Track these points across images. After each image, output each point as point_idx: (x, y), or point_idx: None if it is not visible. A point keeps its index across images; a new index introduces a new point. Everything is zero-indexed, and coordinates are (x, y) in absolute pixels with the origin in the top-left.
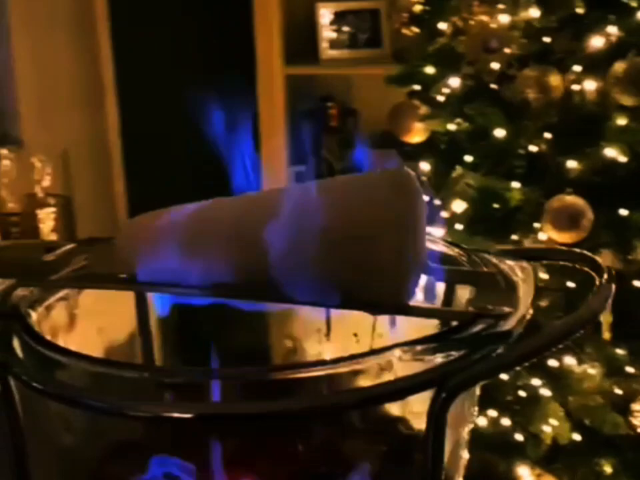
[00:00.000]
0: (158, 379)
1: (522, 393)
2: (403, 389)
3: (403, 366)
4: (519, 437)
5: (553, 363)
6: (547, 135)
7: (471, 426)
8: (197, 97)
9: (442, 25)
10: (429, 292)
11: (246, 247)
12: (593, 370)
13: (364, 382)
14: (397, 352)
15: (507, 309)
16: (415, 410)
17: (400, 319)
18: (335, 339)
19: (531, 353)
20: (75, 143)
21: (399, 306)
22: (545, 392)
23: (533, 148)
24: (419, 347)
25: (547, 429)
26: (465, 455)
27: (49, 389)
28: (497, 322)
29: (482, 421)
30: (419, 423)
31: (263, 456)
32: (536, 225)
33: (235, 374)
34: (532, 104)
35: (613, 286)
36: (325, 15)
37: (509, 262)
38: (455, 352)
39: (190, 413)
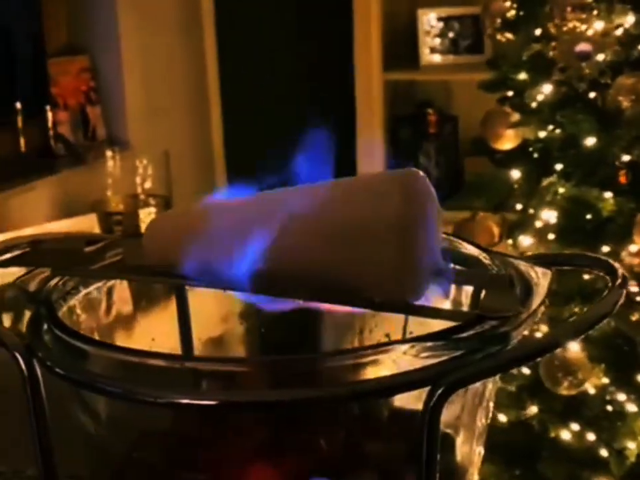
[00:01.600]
0: (187, 367)
1: (608, 408)
2: (395, 385)
3: (403, 363)
4: (603, 452)
5: None
6: None
7: (486, 421)
8: (297, 99)
9: (536, 31)
10: (457, 293)
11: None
12: None
13: (363, 376)
14: (403, 347)
15: (510, 312)
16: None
17: (431, 320)
18: (367, 339)
19: (529, 355)
20: (177, 144)
21: (402, 305)
22: (632, 407)
23: (626, 157)
24: (424, 344)
25: (631, 445)
26: (481, 450)
27: (70, 374)
28: (501, 323)
29: (566, 435)
30: (444, 424)
31: (283, 448)
32: (629, 236)
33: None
34: (626, 112)
35: (624, 291)
36: (427, 20)
37: (531, 266)
38: (455, 351)
39: (192, 399)
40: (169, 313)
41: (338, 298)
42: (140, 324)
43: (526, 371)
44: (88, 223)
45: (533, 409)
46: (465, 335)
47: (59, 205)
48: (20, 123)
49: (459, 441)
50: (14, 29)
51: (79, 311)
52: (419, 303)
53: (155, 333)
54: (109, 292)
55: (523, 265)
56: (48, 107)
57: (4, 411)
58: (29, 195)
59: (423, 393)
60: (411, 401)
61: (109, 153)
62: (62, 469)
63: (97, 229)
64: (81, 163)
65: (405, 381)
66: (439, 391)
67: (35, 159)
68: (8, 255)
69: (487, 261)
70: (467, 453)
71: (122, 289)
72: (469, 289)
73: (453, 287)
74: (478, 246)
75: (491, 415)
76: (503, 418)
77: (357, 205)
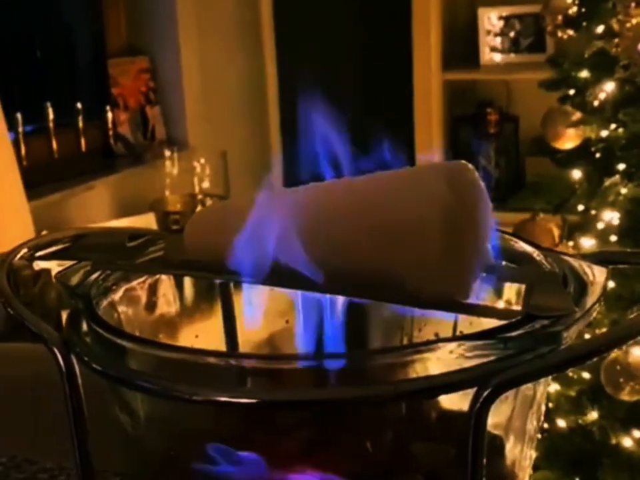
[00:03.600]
0: (231, 364)
1: None
2: (439, 385)
3: (449, 362)
4: None
5: None
6: None
7: (537, 424)
8: (355, 100)
9: (598, 28)
10: (509, 291)
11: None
12: None
13: (409, 375)
14: (450, 346)
15: (562, 311)
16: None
17: (483, 320)
18: (417, 338)
19: (580, 356)
20: (235, 144)
21: (449, 302)
22: None
23: None
24: (471, 343)
25: None
26: (532, 454)
27: (106, 370)
28: (553, 323)
29: (628, 442)
30: (493, 427)
31: (327, 448)
32: None
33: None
34: None
35: None
36: (487, 19)
37: (587, 264)
38: (504, 351)
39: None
40: (213, 309)
41: (384, 295)
42: (182, 320)
43: (586, 375)
44: (146, 222)
45: (594, 415)
46: (514, 334)
47: (118, 204)
48: (80, 123)
49: (509, 444)
50: (75, 30)
51: (119, 306)
52: (467, 300)
53: (198, 330)
54: (150, 287)
55: (577, 263)
56: (108, 107)
57: (52, 407)
58: (89, 194)
59: (471, 393)
60: (459, 401)
61: (167, 153)
62: (109, 466)
63: (154, 228)
64: (139, 163)
65: (450, 381)
66: (486, 393)
67: (95, 158)
68: (50, 249)
69: (539, 259)
70: (517, 457)
71: (164, 284)
72: (521, 287)
73: (504, 285)
74: (531, 243)
75: (542, 418)
76: (562, 423)
77: (402, 197)
